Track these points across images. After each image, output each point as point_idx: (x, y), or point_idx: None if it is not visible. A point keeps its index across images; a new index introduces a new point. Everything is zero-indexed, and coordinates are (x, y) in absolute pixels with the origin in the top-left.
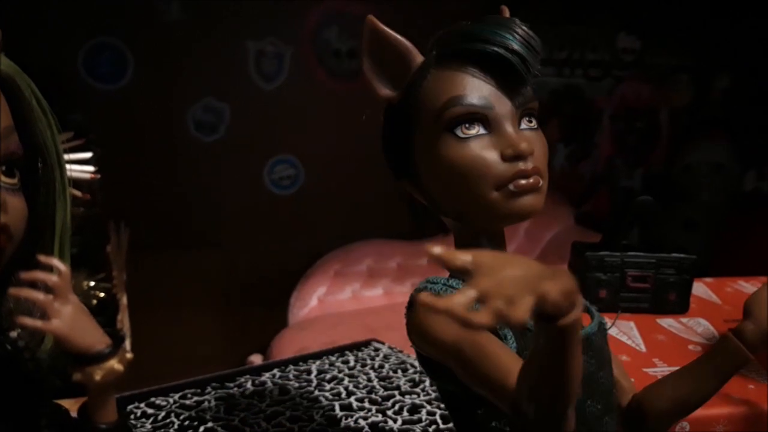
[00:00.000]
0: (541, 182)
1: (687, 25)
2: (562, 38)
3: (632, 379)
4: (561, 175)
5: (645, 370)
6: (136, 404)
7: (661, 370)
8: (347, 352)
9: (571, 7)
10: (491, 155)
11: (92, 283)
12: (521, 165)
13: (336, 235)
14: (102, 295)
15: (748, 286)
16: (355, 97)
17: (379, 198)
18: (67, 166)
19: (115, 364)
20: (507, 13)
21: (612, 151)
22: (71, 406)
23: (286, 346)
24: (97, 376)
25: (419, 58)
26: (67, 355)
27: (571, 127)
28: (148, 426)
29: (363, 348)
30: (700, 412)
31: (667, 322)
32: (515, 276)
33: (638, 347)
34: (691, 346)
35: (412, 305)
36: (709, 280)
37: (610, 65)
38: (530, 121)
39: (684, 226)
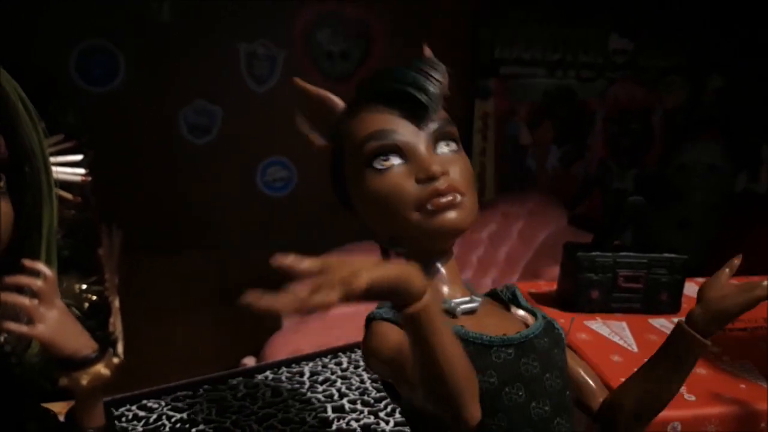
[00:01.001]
0: (460, 198)
1: (679, 26)
2: (554, 40)
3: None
4: (554, 177)
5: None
6: (128, 407)
7: None
8: (340, 354)
9: (563, 9)
10: (407, 181)
11: (84, 286)
12: (436, 184)
13: (329, 237)
14: (94, 298)
15: None
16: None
17: None
18: (59, 169)
19: (101, 368)
20: (428, 53)
21: (605, 152)
22: (61, 409)
23: (280, 348)
24: (84, 381)
25: (341, 105)
26: (54, 360)
27: (564, 128)
28: (140, 429)
29: (356, 349)
30: (691, 412)
31: (659, 322)
32: (339, 269)
33: (630, 347)
34: None
35: (367, 330)
36: (701, 280)
37: (602, 67)
38: (448, 145)
39: (678, 226)
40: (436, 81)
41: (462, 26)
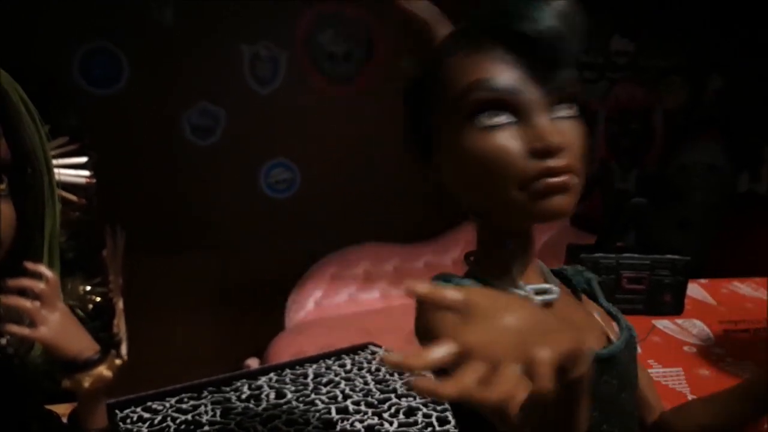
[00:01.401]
0: (573, 180)
1: (680, 27)
2: None
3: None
4: None
5: None
6: (133, 408)
7: (656, 371)
8: (344, 356)
9: None
10: (517, 148)
11: (88, 288)
12: (551, 161)
13: (332, 239)
14: (98, 299)
15: (743, 287)
16: (351, 100)
17: (375, 201)
18: (63, 171)
19: (103, 370)
20: None
21: (606, 152)
22: (64, 411)
23: (283, 350)
24: (86, 383)
25: (442, 33)
26: (56, 362)
27: None
28: (145, 430)
29: (360, 351)
30: None
31: (662, 323)
32: (509, 329)
33: None
34: (686, 348)
35: (420, 306)
36: (704, 281)
37: (604, 68)
38: (569, 108)
39: (679, 226)
40: (572, 23)
41: None
